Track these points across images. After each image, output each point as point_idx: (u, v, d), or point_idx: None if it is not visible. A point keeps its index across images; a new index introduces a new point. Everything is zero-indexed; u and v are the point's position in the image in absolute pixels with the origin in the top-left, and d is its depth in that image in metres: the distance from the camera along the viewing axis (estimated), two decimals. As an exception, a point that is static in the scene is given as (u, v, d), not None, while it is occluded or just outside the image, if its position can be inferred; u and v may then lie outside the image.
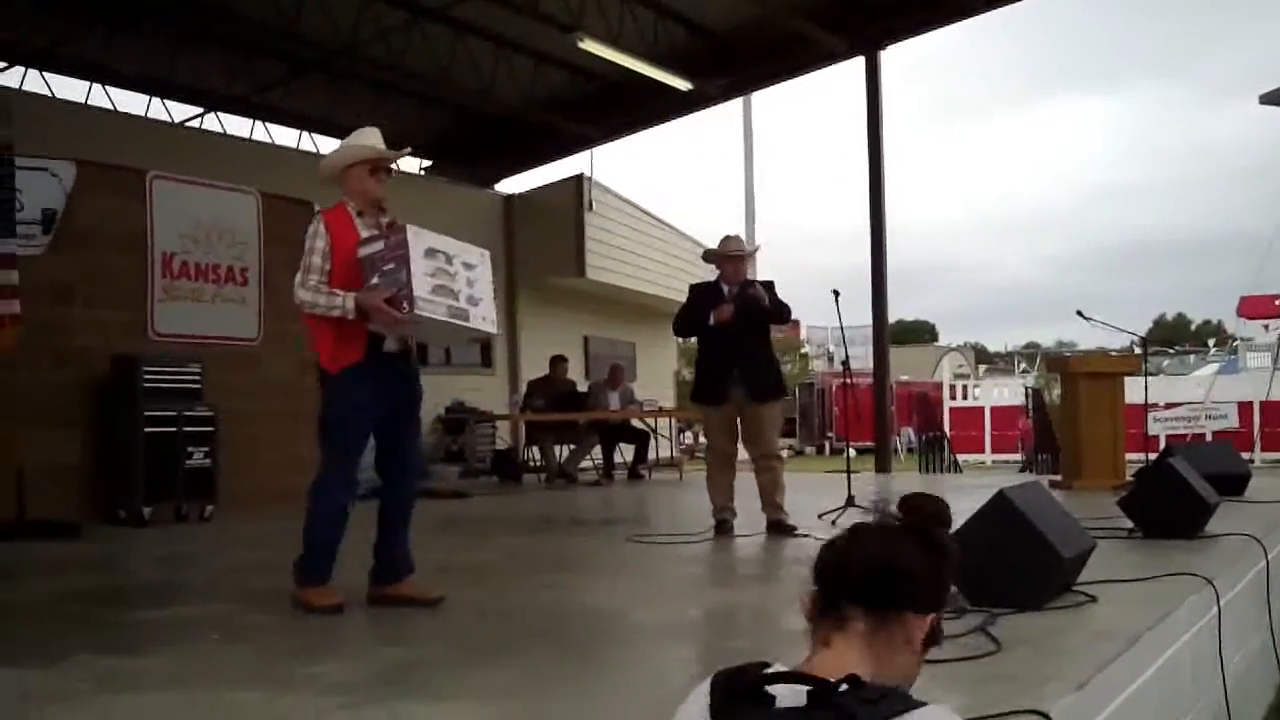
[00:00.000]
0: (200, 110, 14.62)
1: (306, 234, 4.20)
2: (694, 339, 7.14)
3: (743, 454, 6.68)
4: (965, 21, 13.42)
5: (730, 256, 6.66)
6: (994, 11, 13.24)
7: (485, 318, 4.22)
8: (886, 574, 1.62)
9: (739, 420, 6.53)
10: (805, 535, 6.02)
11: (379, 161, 4.23)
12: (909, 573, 1.63)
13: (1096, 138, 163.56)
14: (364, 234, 4.16)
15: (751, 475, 6.58)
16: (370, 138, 4.28)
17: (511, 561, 5.81)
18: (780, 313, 6.54)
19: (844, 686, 1.44)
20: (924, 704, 1.46)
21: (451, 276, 4.08)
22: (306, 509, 4.14)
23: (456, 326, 4.18)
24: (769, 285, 6.69)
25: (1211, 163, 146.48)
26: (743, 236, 8.15)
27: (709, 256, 6.91)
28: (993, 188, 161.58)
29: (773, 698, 1.45)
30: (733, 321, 6.42)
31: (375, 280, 4.00)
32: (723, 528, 6.46)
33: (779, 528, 6.31)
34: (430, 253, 4.03)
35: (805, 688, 1.44)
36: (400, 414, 4.25)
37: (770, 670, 1.49)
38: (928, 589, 1.66)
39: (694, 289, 6.95)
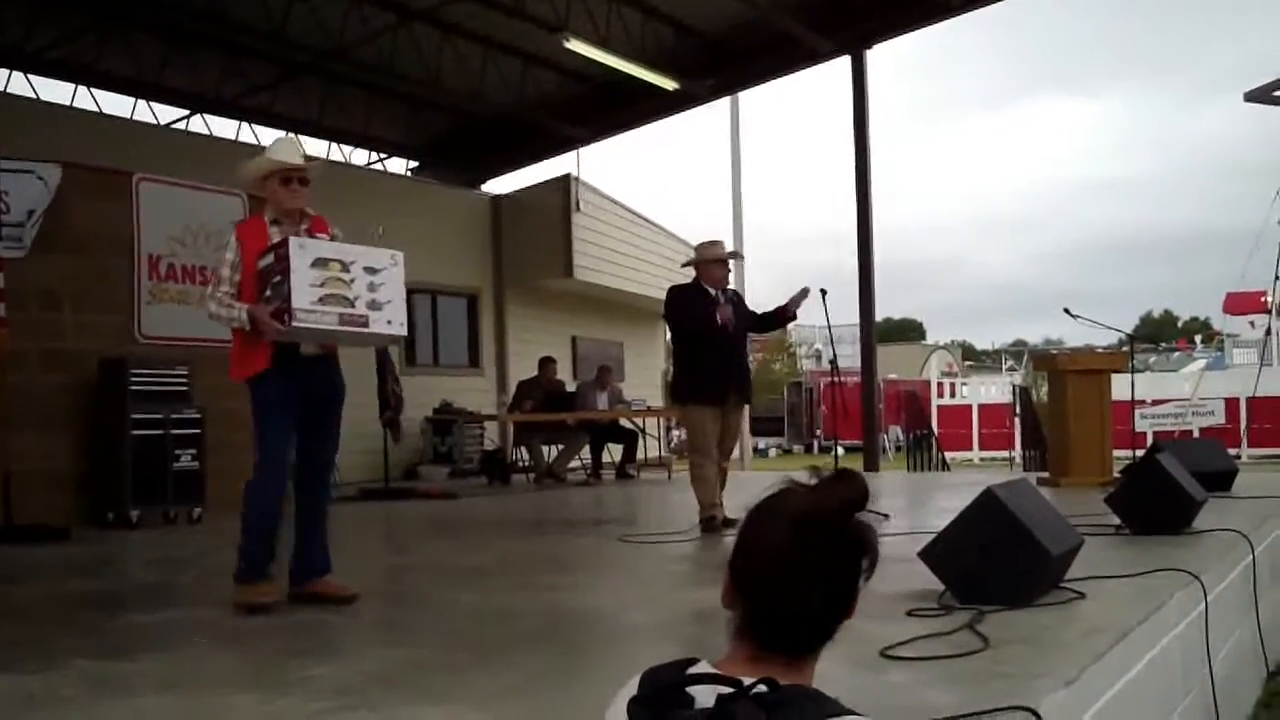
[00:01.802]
0: (187, 112, 14.54)
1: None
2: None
3: None
4: (951, 21, 13.46)
5: (721, 260, 6.82)
6: (981, 10, 13.28)
7: (391, 320, 4.27)
8: (813, 623, 1.51)
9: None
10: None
11: (288, 173, 4.27)
12: (836, 609, 1.51)
13: (1084, 135, 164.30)
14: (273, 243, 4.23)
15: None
16: (284, 150, 4.34)
17: (504, 563, 5.81)
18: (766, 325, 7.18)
19: (760, 688, 1.37)
20: (848, 712, 1.37)
21: (347, 284, 4.13)
22: (241, 512, 4.21)
23: (353, 333, 4.22)
24: (738, 297, 6.90)
25: (1198, 159, 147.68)
26: (730, 235, 8.31)
27: (696, 259, 6.92)
28: (980, 185, 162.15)
29: (692, 698, 1.40)
30: (733, 326, 6.61)
31: (268, 293, 4.10)
32: (711, 525, 6.51)
33: (725, 521, 6.49)
34: (320, 262, 4.08)
35: (720, 689, 1.38)
36: (316, 417, 4.32)
37: (693, 670, 1.45)
38: (849, 603, 1.53)
39: (681, 291, 6.93)
